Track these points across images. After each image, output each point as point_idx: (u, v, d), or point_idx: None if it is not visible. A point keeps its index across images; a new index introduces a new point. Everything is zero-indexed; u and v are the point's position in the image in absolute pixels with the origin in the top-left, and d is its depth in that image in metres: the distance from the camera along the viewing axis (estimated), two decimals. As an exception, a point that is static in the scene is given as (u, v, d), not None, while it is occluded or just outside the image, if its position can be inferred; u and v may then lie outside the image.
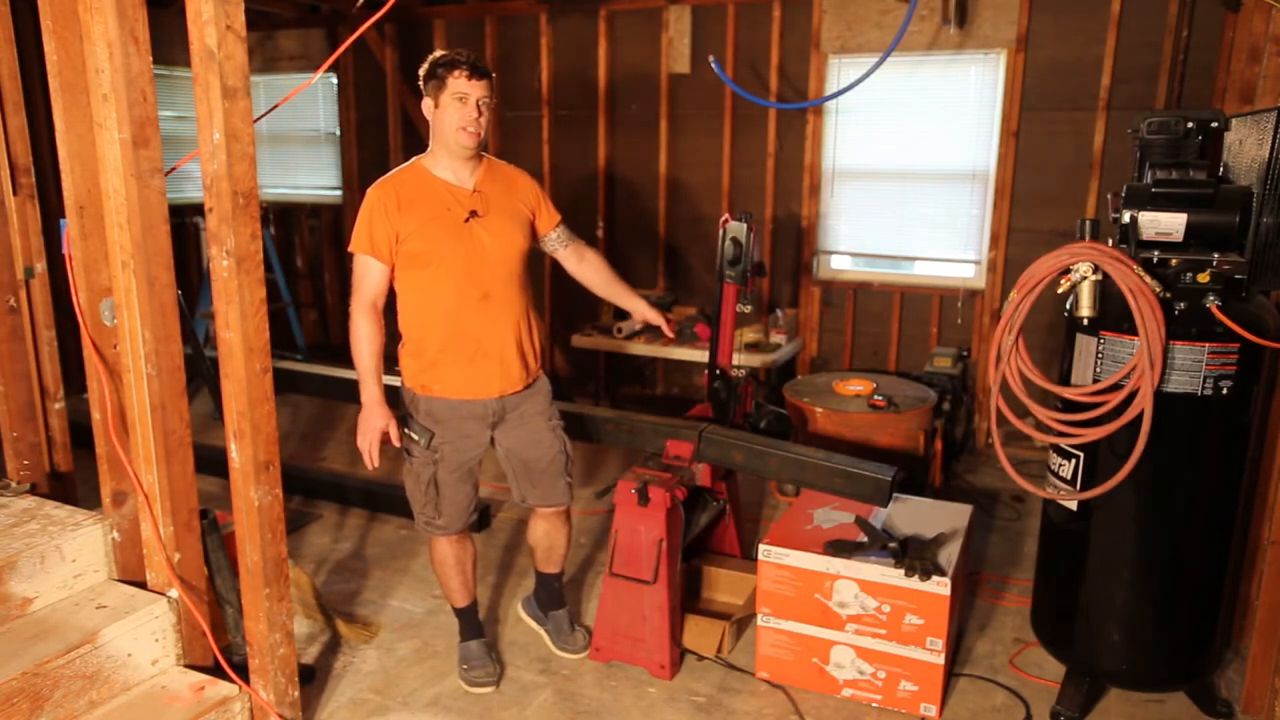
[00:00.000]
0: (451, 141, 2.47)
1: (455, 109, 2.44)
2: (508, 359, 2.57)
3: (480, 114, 2.45)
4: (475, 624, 2.85)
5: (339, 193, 6.49)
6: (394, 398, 2.60)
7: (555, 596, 3.01)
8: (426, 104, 2.50)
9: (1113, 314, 2.29)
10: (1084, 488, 2.40)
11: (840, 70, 4.97)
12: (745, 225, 3.09)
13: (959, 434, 4.58)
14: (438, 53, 2.51)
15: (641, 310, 2.92)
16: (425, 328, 2.53)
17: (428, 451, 2.56)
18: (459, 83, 2.42)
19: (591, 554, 3.65)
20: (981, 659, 2.91)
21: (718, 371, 3.25)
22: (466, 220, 2.50)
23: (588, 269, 2.85)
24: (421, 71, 2.51)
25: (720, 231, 3.13)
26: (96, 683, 2.23)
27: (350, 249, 2.50)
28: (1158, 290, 2.19)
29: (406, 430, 2.56)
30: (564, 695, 2.71)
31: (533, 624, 3.05)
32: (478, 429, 2.61)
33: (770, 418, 3.31)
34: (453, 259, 2.48)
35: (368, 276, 2.48)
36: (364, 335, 2.48)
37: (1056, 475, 2.50)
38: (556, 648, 2.93)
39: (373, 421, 2.51)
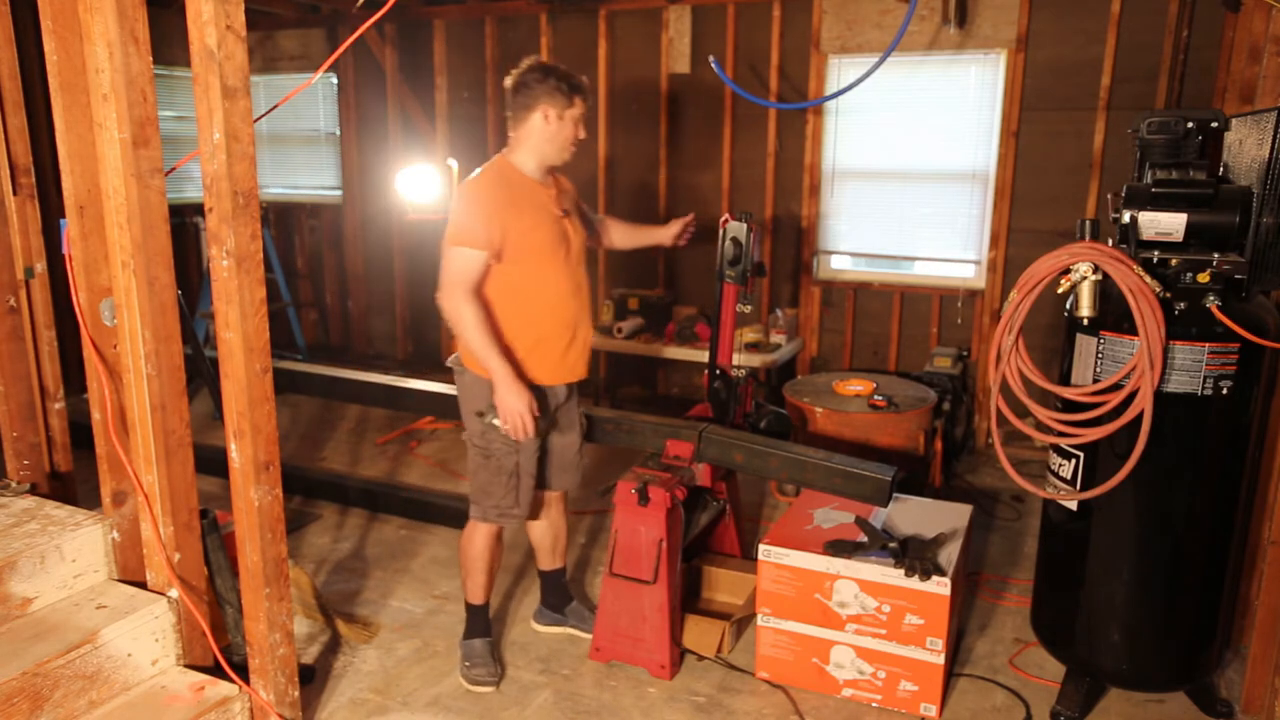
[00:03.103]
0: (553, 154, 2.59)
1: (571, 129, 2.57)
2: (589, 345, 2.74)
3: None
4: (486, 622, 2.86)
5: (339, 193, 6.48)
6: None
7: (565, 592, 3.06)
8: (541, 113, 2.53)
9: (1113, 314, 2.29)
10: (1084, 488, 2.40)
11: (840, 70, 4.97)
12: (745, 225, 3.09)
13: (959, 434, 4.58)
14: (554, 64, 2.56)
15: (670, 233, 3.03)
16: (526, 320, 2.59)
17: (513, 442, 2.59)
18: (580, 109, 2.57)
19: (592, 554, 3.65)
20: (981, 659, 2.91)
21: (718, 371, 3.25)
22: (561, 217, 2.62)
23: (615, 231, 3.05)
24: (534, 78, 2.53)
25: (720, 231, 3.13)
26: (96, 683, 2.23)
27: (458, 243, 2.46)
28: (1158, 290, 2.19)
29: (491, 421, 2.56)
30: (564, 695, 2.71)
31: (554, 628, 3.04)
32: (549, 413, 2.71)
33: (770, 417, 3.31)
34: (555, 253, 2.59)
35: (470, 268, 2.48)
36: (478, 315, 2.48)
37: (1056, 475, 2.50)
38: (587, 633, 2.95)
39: (518, 396, 2.50)
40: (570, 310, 2.64)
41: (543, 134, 2.55)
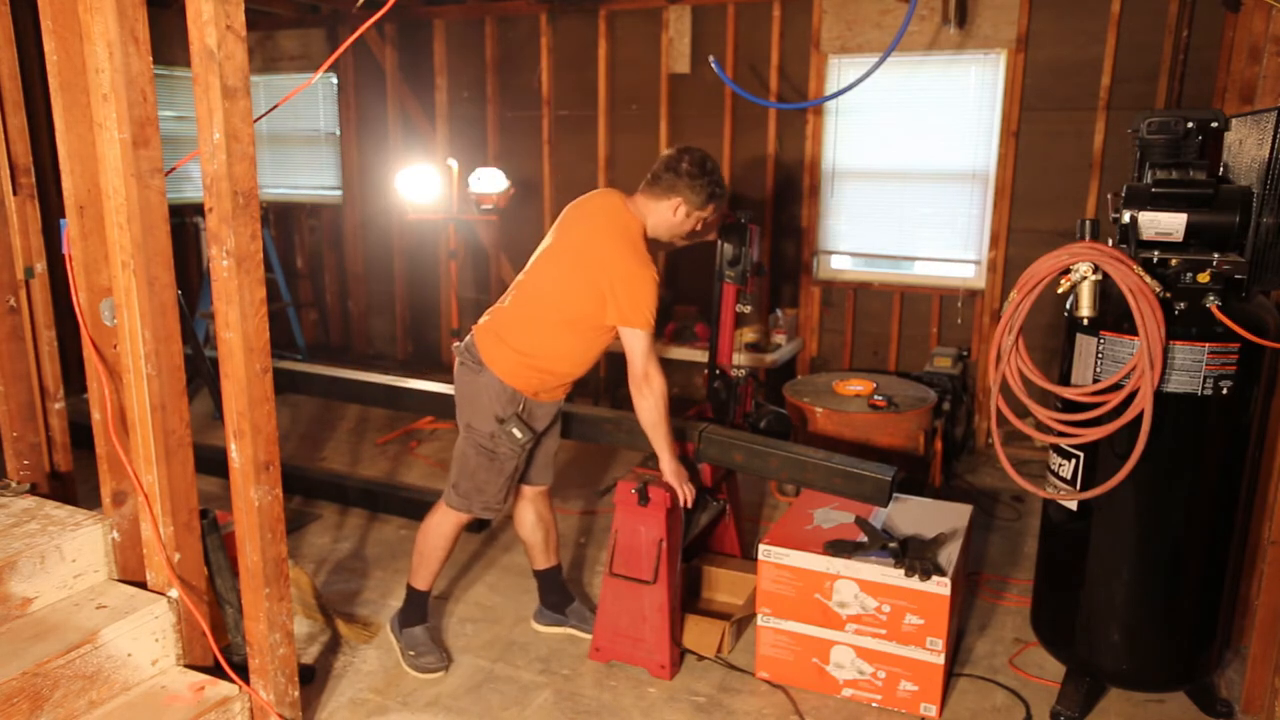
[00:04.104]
0: (665, 237, 2.74)
1: (693, 225, 2.72)
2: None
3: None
4: (426, 609, 2.90)
5: (339, 193, 6.49)
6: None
7: (564, 590, 3.07)
8: (674, 204, 2.65)
9: (1113, 314, 2.29)
10: (1084, 488, 2.40)
11: (840, 70, 4.97)
12: (744, 225, 3.09)
13: (959, 434, 4.58)
14: (711, 163, 2.66)
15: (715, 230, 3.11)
16: (578, 364, 2.72)
17: (521, 448, 2.69)
18: (709, 214, 2.72)
19: (591, 554, 3.65)
20: (981, 659, 2.91)
21: (717, 371, 3.24)
22: None
23: None
24: (688, 170, 2.62)
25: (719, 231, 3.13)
26: (96, 683, 2.23)
27: (646, 330, 2.58)
28: (1158, 290, 2.19)
29: (511, 430, 2.65)
30: (564, 695, 2.71)
31: (556, 629, 3.05)
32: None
33: (770, 417, 3.31)
34: None
35: (652, 346, 2.62)
36: (665, 390, 2.66)
37: (1056, 475, 2.50)
38: (587, 634, 2.96)
39: (682, 467, 2.76)
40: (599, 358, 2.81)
41: (669, 222, 2.68)
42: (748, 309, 3.22)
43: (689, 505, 2.76)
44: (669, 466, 2.72)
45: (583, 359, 2.71)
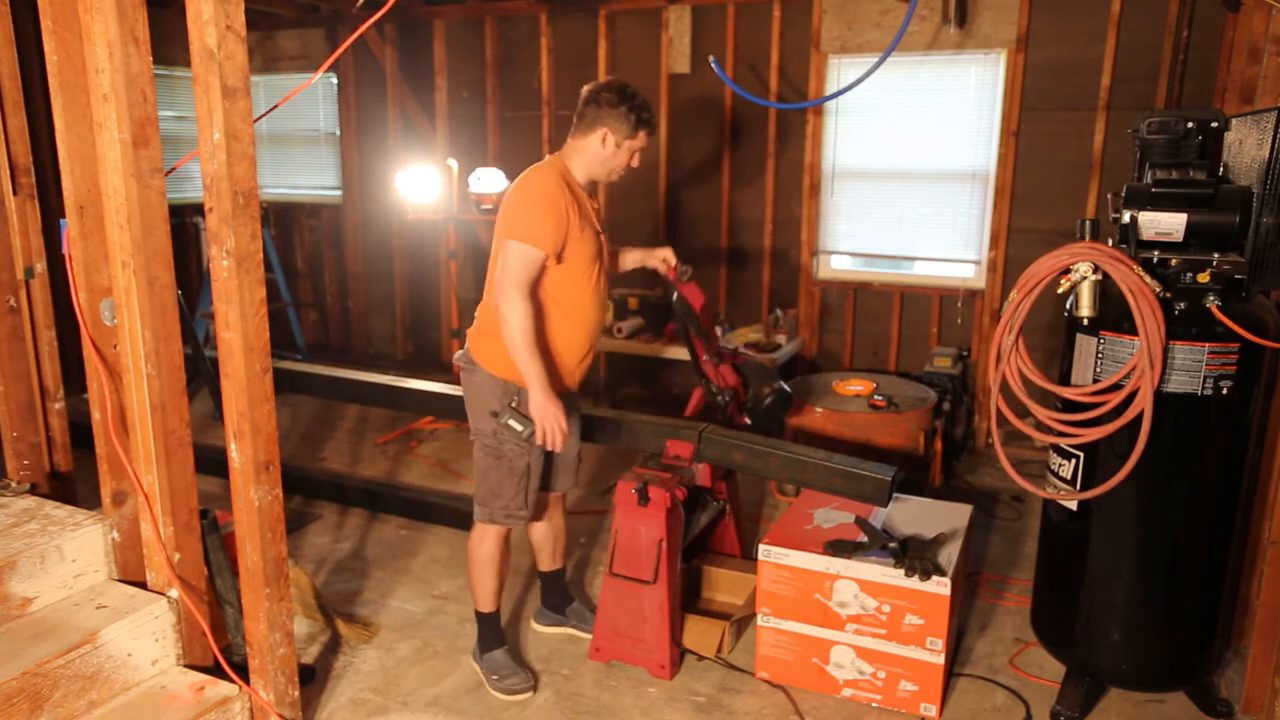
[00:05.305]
0: (601, 175, 2.63)
1: (627, 157, 2.61)
2: (597, 355, 2.70)
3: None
4: (500, 630, 2.82)
5: (339, 193, 6.49)
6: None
7: (565, 592, 3.06)
8: (601, 135, 2.55)
9: (1113, 314, 2.29)
10: (1084, 488, 2.40)
11: (840, 70, 4.97)
12: (678, 291, 2.95)
13: (959, 434, 4.58)
14: (633, 90, 2.56)
15: (653, 258, 2.93)
16: (555, 328, 2.58)
17: (525, 443, 2.57)
18: (641, 142, 2.60)
19: (592, 554, 3.65)
20: (981, 659, 2.91)
21: (714, 389, 3.24)
22: (600, 232, 2.64)
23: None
24: (608, 99, 2.53)
25: (666, 288, 3.01)
26: (96, 683, 2.23)
27: (522, 239, 2.42)
28: (1158, 290, 2.19)
29: (507, 422, 2.53)
30: (564, 695, 2.71)
31: (555, 629, 3.04)
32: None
33: (772, 398, 3.22)
34: (593, 266, 2.60)
35: (532, 266, 2.45)
36: (529, 317, 2.43)
37: (1056, 475, 2.50)
38: (587, 634, 2.95)
39: (555, 406, 2.49)
40: (593, 324, 2.66)
41: (597, 155, 2.57)
42: (717, 362, 3.19)
43: (552, 448, 2.54)
44: (535, 398, 2.47)
45: (559, 333, 2.59)
